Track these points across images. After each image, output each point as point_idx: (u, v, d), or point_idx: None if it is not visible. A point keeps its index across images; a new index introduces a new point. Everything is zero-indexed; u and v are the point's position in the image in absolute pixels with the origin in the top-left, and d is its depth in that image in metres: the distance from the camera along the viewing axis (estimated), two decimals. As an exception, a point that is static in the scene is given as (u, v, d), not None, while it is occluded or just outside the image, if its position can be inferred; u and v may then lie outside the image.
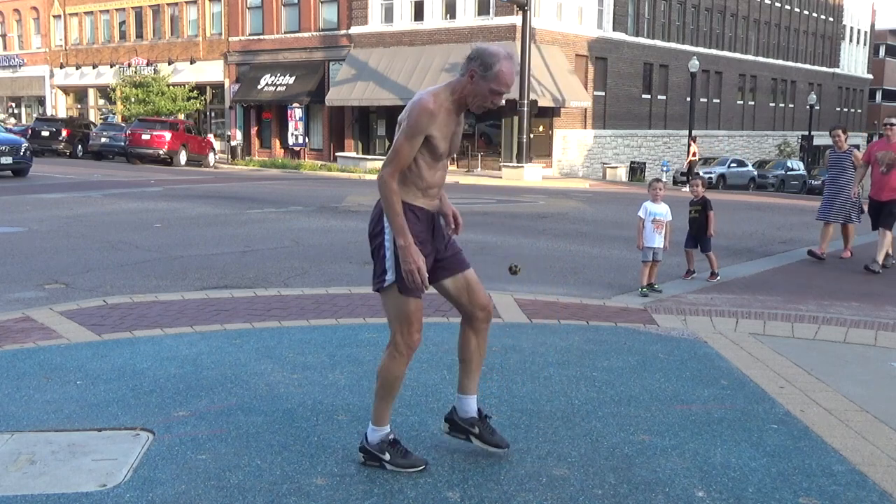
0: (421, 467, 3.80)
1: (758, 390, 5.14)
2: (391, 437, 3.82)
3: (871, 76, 66.40)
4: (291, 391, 4.88)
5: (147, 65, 44.70)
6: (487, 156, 34.94)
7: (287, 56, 40.29)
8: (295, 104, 38.88)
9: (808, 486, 3.75)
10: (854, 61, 63.34)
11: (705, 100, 45.46)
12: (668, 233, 8.80)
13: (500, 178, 29.61)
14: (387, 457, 3.78)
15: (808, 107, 50.66)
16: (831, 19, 58.80)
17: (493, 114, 34.31)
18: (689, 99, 39.84)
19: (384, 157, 3.72)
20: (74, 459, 3.84)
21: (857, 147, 16.40)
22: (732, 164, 38.52)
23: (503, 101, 3.74)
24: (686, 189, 24.69)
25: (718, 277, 9.41)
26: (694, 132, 38.35)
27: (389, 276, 3.66)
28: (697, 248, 9.57)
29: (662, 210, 8.75)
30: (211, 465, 3.79)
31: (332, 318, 6.79)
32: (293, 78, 39.29)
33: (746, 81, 49.93)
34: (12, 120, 49.65)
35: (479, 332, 3.92)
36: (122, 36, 48.01)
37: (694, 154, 32.94)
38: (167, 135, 33.73)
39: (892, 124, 10.78)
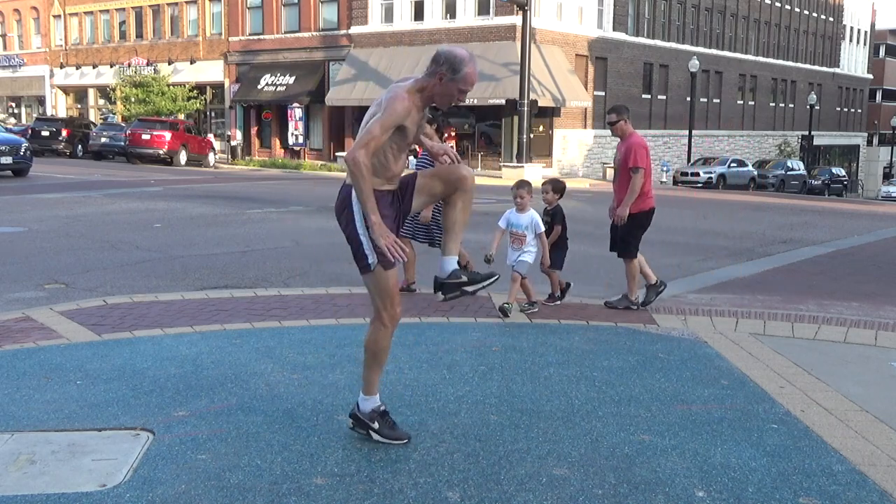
0: (405, 440, 4.08)
1: (758, 390, 5.14)
2: (382, 408, 4.10)
3: (871, 76, 66.34)
4: (291, 391, 4.88)
5: (147, 65, 44.68)
6: (487, 156, 34.91)
7: (287, 56, 40.27)
8: (295, 104, 38.87)
9: (808, 485, 3.75)
10: (854, 61, 63.30)
11: (705, 100, 45.43)
12: (542, 245, 7.36)
13: (501, 177, 29.61)
14: (376, 426, 4.06)
15: (808, 107, 50.65)
16: (831, 19, 58.77)
17: (493, 114, 34.38)
18: (689, 99, 39.85)
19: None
20: (74, 459, 3.84)
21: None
22: (732, 164, 38.48)
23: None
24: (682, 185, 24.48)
25: (558, 302, 7.72)
26: (694, 132, 38.41)
27: (371, 259, 3.89)
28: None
29: (524, 221, 7.24)
30: (211, 465, 3.79)
31: (332, 318, 6.79)
32: (293, 78, 39.27)
33: (746, 81, 49.89)
34: (12, 120, 49.63)
35: (465, 195, 4.03)
36: (122, 36, 47.99)
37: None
38: (167, 135, 33.72)
39: (616, 117, 7.81)
